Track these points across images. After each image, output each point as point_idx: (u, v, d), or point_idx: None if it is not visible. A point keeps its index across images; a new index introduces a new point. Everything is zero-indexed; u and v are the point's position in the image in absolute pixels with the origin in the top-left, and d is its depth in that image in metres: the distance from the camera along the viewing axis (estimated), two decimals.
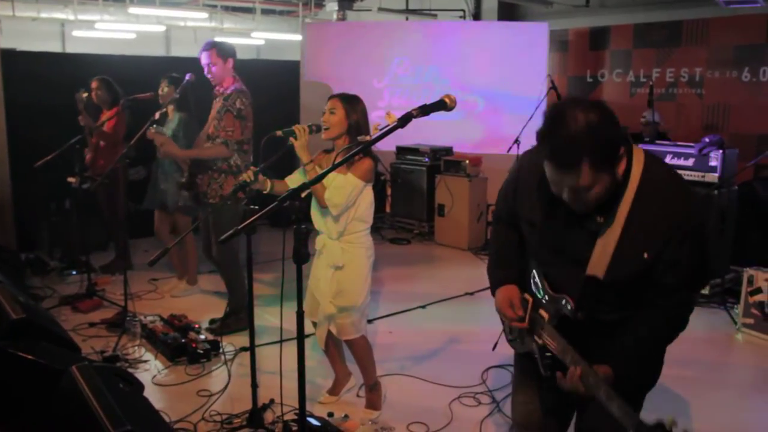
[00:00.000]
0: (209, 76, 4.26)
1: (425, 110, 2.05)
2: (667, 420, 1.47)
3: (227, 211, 4.22)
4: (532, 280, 2.03)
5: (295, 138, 3.04)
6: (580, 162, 1.59)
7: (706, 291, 5.13)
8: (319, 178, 2.28)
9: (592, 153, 1.59)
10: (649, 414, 2.22)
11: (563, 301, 1.87)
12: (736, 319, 4.71)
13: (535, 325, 1.98)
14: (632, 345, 1.80)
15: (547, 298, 1.95)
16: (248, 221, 2.34)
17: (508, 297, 2.03)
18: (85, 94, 5.51)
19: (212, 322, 4.52)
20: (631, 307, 1.82)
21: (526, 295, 2.04)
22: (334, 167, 2.20)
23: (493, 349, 2.48)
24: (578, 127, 1.58)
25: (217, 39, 4.43)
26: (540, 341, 1.95)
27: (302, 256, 2.12)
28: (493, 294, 2.10)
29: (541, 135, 1.66)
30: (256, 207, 2.73)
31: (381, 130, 2.08)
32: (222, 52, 4.23)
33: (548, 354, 1.92)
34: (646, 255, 1.71)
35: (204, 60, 4.23)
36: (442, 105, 2.08)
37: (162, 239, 5.25)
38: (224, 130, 4.21)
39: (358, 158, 3.01)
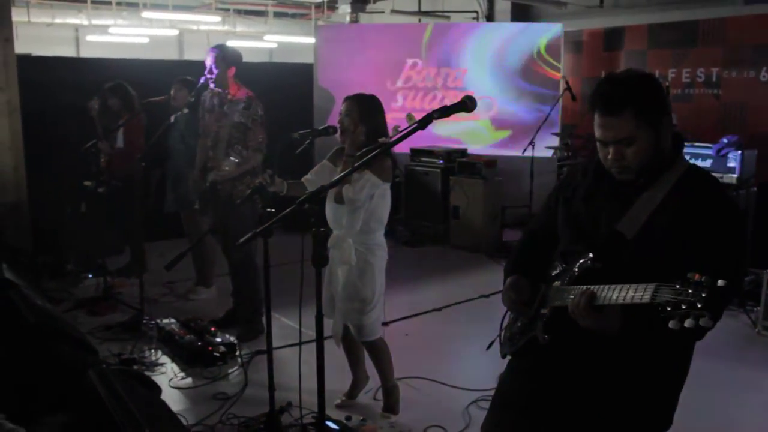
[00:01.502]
0: (210, 76, 4.29)
1: (446, 111, 2.01)
2: (690, 275, 1.45)
3: (247, 212, 4.23)
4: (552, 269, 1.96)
5: (310, 141, 3.06)
6: (624, 105, 1.71)
7: None
8: (337, 182, 2.27)
9: (637, 99, 1.71)
10: None
11: (582, 259, 1.80)
12: (756, 321, 4.65)
13: (545, 301, 1.89)
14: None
15: (562, 267, 1.88)
16: (265, 225, 2.34)
17: (517, 283, 1.96)
18: (97, 102, 5.54)
19: (212, 322, 4.49)
20: None
21: (540, 285, 1.95)
22: (354, 169, 2.19)
23: (487, 348, 2.39)
24: (626, 77, 1.77)
25: (228, 44, 4.46)
26: (546, 311, 1.86)
27: (321, 259, 2.11)
28: None
29: (593, 89, 1.80)
30: (273, 210, 2.72)
31: (401, 132, 2.06)
32: (225, 57, 4.27)
33: (556, 319, 1.83)
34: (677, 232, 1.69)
35: (207, 61, 4.30)
36: (462, 106, 2.04)
37: (193, 240, 5.25)
38: (256, 139, 4.29)
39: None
